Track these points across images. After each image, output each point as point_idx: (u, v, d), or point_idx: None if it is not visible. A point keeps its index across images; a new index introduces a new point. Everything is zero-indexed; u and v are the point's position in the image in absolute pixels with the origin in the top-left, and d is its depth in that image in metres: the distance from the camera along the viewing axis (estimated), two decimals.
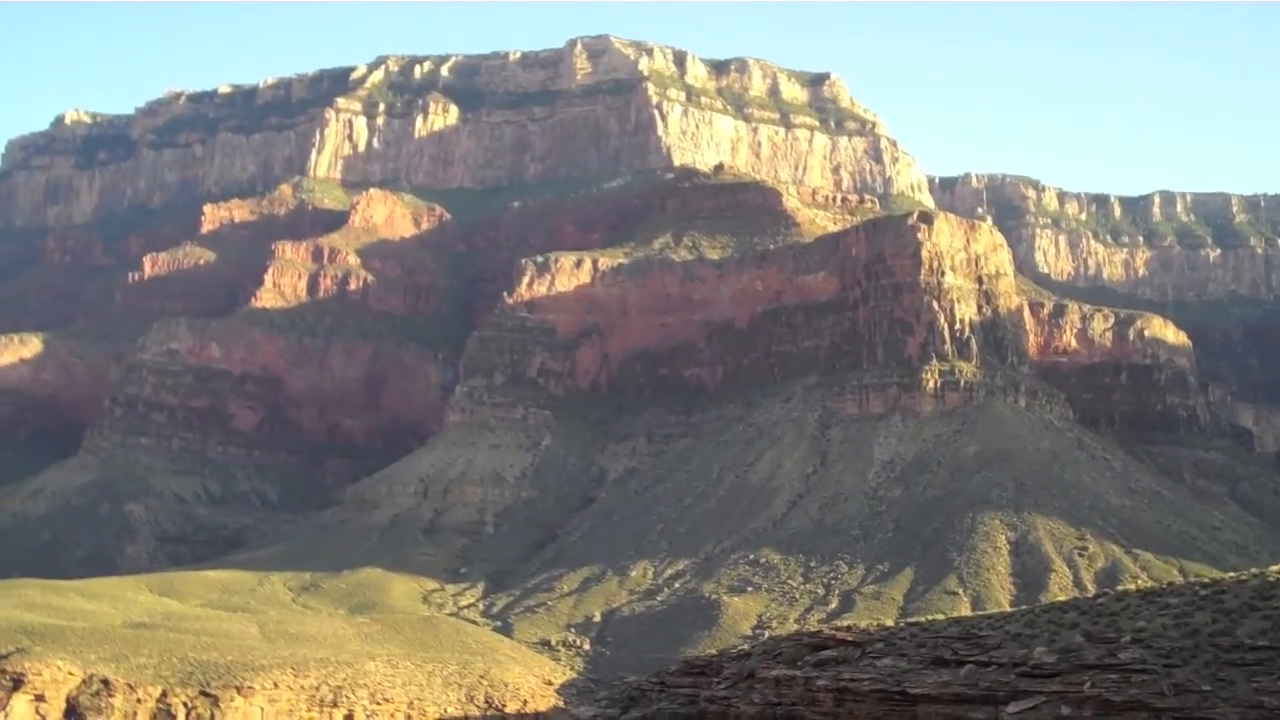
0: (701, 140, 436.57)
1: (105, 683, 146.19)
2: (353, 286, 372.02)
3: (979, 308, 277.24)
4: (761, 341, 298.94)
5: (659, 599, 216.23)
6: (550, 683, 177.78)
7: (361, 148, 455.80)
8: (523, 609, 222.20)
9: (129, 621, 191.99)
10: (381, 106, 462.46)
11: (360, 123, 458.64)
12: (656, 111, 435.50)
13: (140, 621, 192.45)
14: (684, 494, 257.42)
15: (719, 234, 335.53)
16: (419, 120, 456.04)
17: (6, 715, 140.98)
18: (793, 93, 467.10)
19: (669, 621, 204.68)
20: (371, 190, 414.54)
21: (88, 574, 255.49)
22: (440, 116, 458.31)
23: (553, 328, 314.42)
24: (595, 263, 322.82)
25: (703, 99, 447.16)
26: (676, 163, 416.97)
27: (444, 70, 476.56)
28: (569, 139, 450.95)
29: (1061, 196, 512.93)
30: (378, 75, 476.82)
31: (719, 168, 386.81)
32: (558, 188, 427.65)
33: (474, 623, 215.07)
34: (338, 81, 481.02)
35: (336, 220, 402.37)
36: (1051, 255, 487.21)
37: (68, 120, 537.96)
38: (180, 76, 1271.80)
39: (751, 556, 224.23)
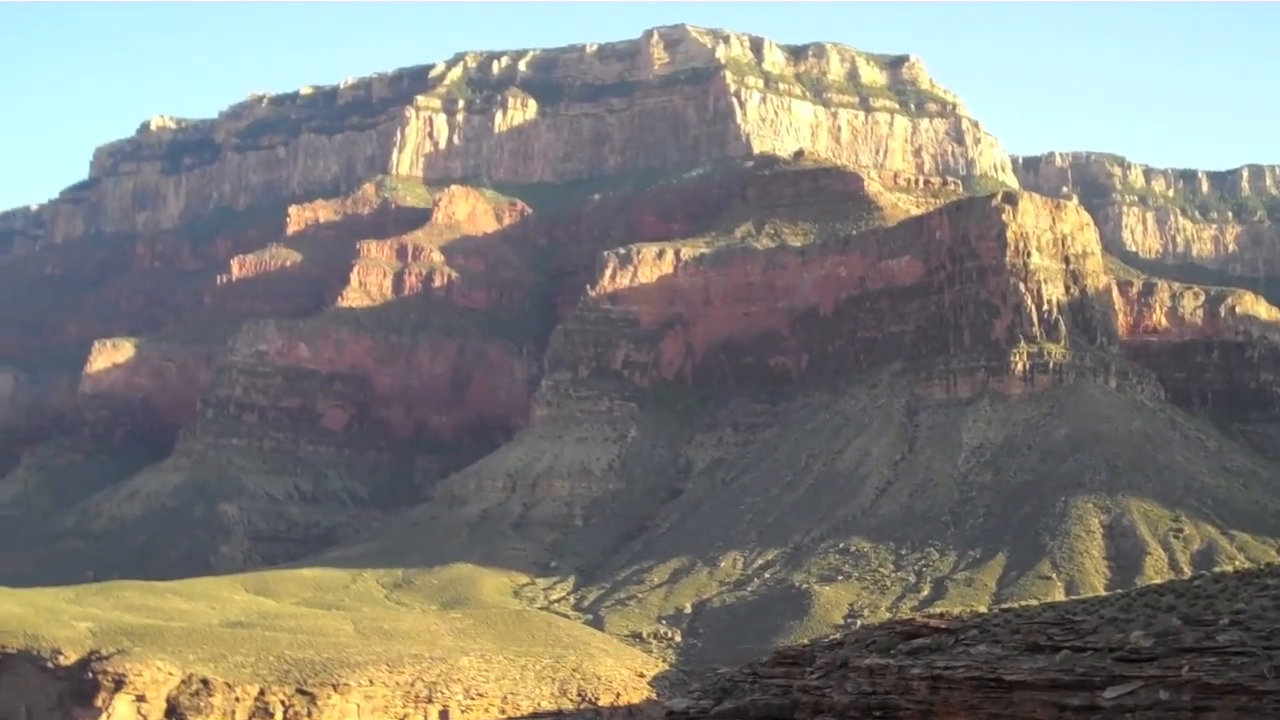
0: (781, 127, 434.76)
1: (204, 682, 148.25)
2: (437, 283, 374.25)
3: (1066, 288, 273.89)
4: (846, 328, 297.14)
5: (749, 589, 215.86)
6: (642, 675, 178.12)
7: (442, 145, 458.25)
8: (613, 602, 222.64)
9: (226, 621, 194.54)
10: (461, 103, 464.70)
11: (440, 120, 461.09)
12: (735, 99, 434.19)
13: (237, 621, 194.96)
14: (772, 483, 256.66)
15: (801, 220, 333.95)
16: (498, 116, 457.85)
17: (109, 716, 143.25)
18: (871, 76, 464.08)
19: (760, 612, 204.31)
20: (453, 187, 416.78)
21: (184, 575, 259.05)
22: (519, 111, 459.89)
23: (636, 319, 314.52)
24: (677, 253, 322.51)
25: (781, 85, 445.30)
26: (756, 150, 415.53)
27: (522, 65, 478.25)
28: (648, 130, 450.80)
29: (1148, 173, 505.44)
30: (456, 72, 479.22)
31: (799, 154, 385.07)
32: (637, 179, 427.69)
33: (565, 616, 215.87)
34: (417, 80, 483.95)
35: (419, 218, 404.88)
36: (1139, 233, 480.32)
37: (153, 126, 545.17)
38: (262, 79, 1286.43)
39: (841, 545, 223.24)
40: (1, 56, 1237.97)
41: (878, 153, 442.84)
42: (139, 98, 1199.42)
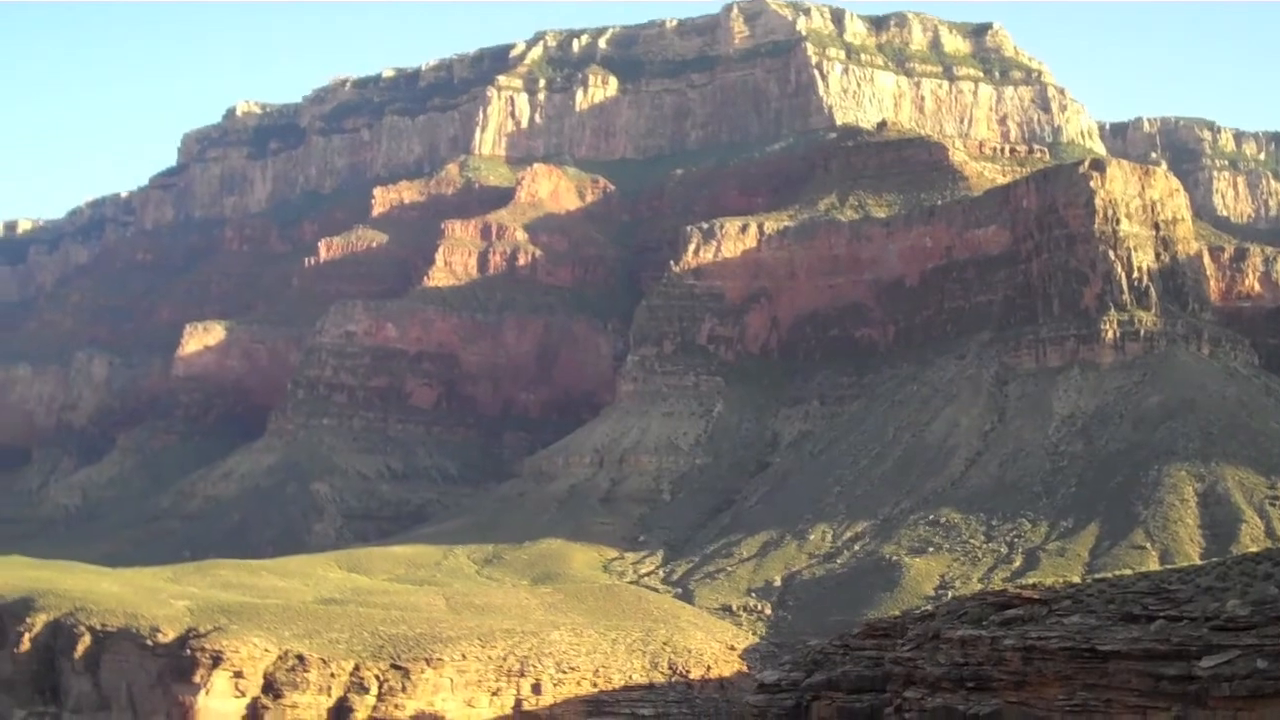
0: (863, 98, 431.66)
1: (300, 658, 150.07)
2: (521, 262, 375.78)
3: (1157, 255, 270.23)
4: (933, 299, 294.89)
5: (839, 562, 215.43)
6: (733, 648, 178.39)
7: (524, 124, 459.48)
8: (702, 575, 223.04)
9: (320, 598, 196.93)
10: (542, 82, 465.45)
11: (522, 99, 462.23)
12: (816, 71, 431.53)
13: (331, 597, 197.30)
14: (860, 455, 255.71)
15: (885, 192, 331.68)
16: (579, 94, 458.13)
17: (208, 692, 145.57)
18: (955, 44, 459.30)
19: (850, 584, 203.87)
20: (535, 165, 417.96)
21: (278, 553, 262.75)
22: (600, 89, 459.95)
23: (721, 293, 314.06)
24: (761, 227, 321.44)
25: (863, 56, 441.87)
26: (839, 122, 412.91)
27: (601, 42, 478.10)
28: (729, 104, 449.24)
29: (1238, 137, 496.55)
30: (537, 51, 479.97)
31: (882, 125, 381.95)
32: (720, 153, 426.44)
33: (654, 590, 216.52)
34: (498, 59, 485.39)
35: (503, 197, 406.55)
36: (1230, 198, 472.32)
37: (239, 112, 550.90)
38: (345, 63, 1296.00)
39: (931, 516, 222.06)
40: (92, 48, 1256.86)
41: (962, 122, 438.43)
42: (225, 84, 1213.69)
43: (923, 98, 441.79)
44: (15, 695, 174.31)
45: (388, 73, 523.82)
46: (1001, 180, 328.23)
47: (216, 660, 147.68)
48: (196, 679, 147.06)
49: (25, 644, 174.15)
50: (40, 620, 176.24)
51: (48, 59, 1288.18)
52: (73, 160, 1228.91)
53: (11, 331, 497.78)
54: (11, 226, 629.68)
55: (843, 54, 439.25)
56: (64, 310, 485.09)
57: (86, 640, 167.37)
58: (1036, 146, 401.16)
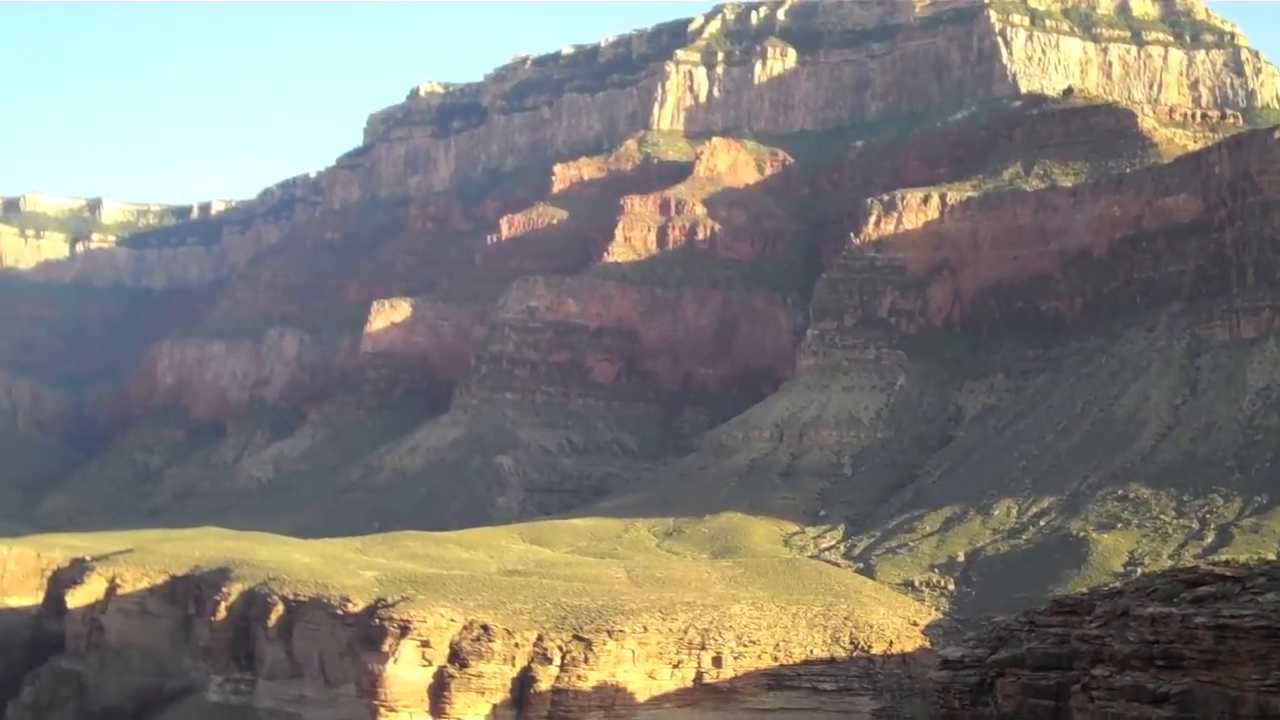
0: (1048, 64, 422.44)
1: (485, 628, 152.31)
2: (700, 236, 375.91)
3: None
4: (1122, 269, 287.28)
5: (1024, 537, 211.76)
6: (915, 624, 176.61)
7: (703, 98, 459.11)
8: (884, 550, 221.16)
9: (504, 569, 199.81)
10: (720, 55, 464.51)
11: (700, 73, 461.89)
12: (1000, 39, 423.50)
13: (514, 569, 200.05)
14: (1046, 430, 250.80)
15: (1071, 160, 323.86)
16: (758, 66, 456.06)
17: (396, 661, 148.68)
18: (1143, 8, 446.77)
19: (1035, 560, 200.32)
20: (714, 139, 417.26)
21: (463, 525, 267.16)
22: (779, 61, 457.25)
23: (902, 266, 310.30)
24: (943, 197, 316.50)
25: (1048, 22, 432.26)
26: (1023, 90, 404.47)
27: (780, 14, 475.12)
28: (910, 74, 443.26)
29: None
30: (715, 25, 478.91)
31: (1068, 92, 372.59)
32: (901, 124, 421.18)
33: (836, 565, 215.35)
34: (676, 34, 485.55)
35: (681, 172, 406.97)
36: None
37: (422, 92, 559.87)
38: (525, 42, 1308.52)
39: (1120, 492, 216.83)
40: (282, 34, 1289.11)
41: (1151, 87, 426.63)
42: (409, 65, 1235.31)
43: (1110, 63, 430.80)
44: (212, 662, 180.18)
45: (567, 50, 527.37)
46: (1192, 147, 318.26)
47: (404, 630, 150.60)
48: (385, 648, 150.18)
49: (222, 613, 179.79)
50: (236, 590, 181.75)
51: (240, 47, 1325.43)
52: (264, 143, 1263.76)
53: (207, 310, 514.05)
54: (205, 208, 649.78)
55: (1027, 20, 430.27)
56: (256, 289, 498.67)
57: (279, 609, 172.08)
58: (1229, 111, 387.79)
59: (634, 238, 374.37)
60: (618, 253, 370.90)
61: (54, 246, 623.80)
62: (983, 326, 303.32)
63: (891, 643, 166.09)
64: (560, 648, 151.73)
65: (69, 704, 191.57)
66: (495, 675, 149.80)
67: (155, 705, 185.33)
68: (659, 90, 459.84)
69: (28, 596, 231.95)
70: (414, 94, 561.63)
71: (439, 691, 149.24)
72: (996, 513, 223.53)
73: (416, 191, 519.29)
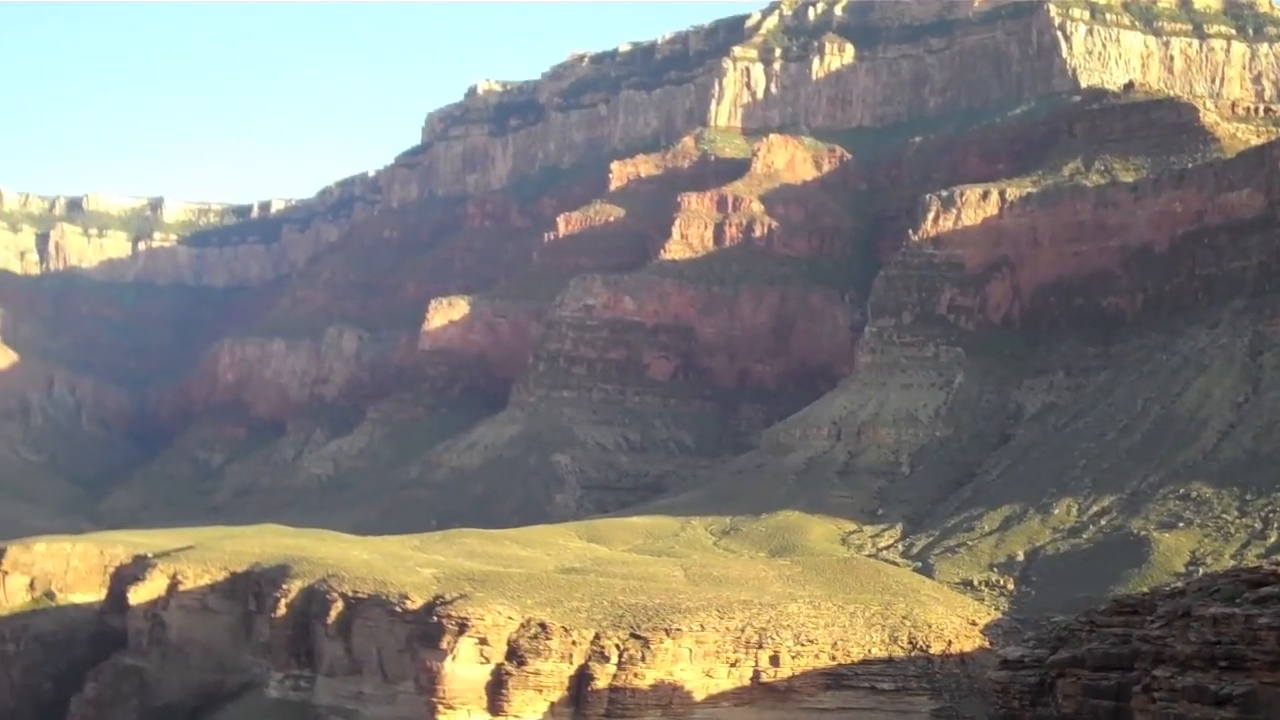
0: (1109, 59, 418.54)
1: (542, 626, 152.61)
2: (757, 233, 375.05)
3: None
4: (1183, 265, 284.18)
5: (1084, 536, 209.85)
6: (974, 623, 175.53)
7: (760, 94, 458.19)
8: (943, 549, 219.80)
9: (561, 567, 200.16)
10: (777, 52, 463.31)
11: (757, 70, 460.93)
12: (1059, 33, 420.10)
13: (571, 567, 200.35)
14: (1106, 428, 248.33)
15: (1132, 156, 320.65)
16: (815, 62, 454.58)
17: (454, 658, 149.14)
18: (1205, 1, 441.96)
19: (1095, 559, 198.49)
20: (771, 136, 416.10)
21: (520, 522, 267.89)
22: (836, 57, 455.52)
23: (961, 262, 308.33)
24: (1002, 194, 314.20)
25: (1108, 15, 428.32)
26: (1083, 84, 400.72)
27: (837, 10, 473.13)
28: (968, 69, 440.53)
29: None
30: (772, 21, 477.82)
31: (1129, 86, 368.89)
32: (959, 120, 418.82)
33: (894, 564, 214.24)
34: (733, 31, 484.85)
35: (738, 168, 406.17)
36: None
37: (480, 90, 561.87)
38: (582, 39, 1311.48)
39: (1181, 491, 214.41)
40: (340, 34, 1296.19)
41: (1213, 81, 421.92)
42: (466, 64, 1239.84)
43: (1171, 57, 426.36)
44: (273, 658, 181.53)
45: (624, 48, 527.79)
46: (1255, 141, 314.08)
47: (462, 627, 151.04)
48: (443, 645, 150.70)
49: (282, 609, 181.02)
50: (295, 586, 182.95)
51: (300, 47, 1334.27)
52: (323, 142, 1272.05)
53: (267, 308, 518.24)
54: (265, 207, 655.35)
55: (1087, 14, 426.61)
56: (315, 287, 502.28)
57: (339, 606, 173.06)
58: None
59: (691, 235, 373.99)
60: (674, 250, 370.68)
61: (116, 245, 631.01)
62: (1042, 323, 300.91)
63: (950, 642, 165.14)
64: (617, 646, 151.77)
65: (131, 700, 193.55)
66: (553, 673, 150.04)
67: (216, 701, 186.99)
68: (716, 87, 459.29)
69: (90, 593, 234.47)
70: (472, 92, 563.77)
71: (497, 689, 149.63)
72: (1056, 512, 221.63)
73: (474, 189, 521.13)
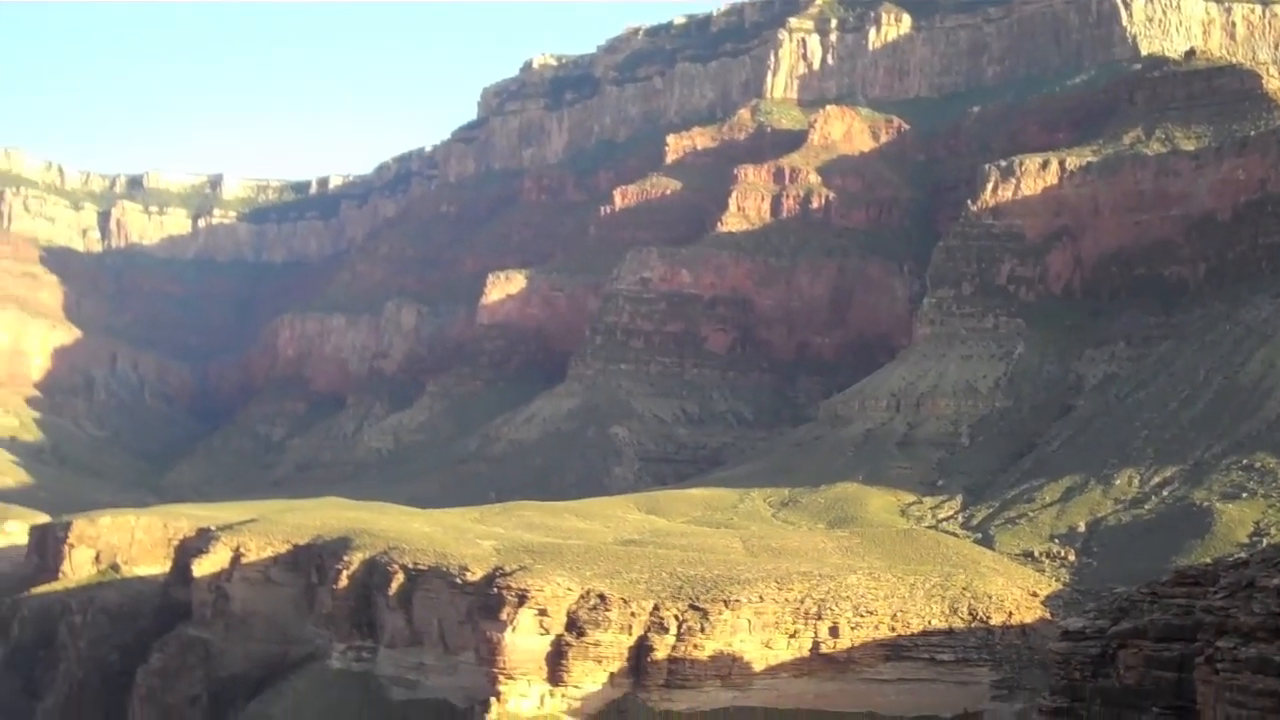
0: (1169, 26, 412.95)
1: (601, 597, 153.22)
2: (814, 205, 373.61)
3: None
4: (1246, 234, 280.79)
5: (1146, 508, 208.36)
6: (1035, 594, 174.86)
7: (816, 66, 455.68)
8: (1003, 520, 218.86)
9: (620, 539, 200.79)
10: (833, 22, 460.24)
11: (813, 41, 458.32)
12: (1119, 0, 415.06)
13: (630, 539, 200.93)
14: (1168, 398, 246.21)
15: (1194, 124, 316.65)
16: (872, 33, 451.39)
17: (514, 629, 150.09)
18: None
19: (1157, 530, 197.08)
20: (828, 107, 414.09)
21: (579, 495, 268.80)
22: (893, 27, 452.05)
23: (1020, 233, 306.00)
24: (1062, 163, 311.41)
25: None
26: (1144, 52, 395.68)
27: None
28: (1027, 37, 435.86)
29: None
30: None
31: (1190, 53, 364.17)
32: (1018, 89, 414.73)
33: (953, 535, 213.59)
34: (789, 2, 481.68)
35: (795, 140, 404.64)
36: None
37: (536, 65, 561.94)
38: (637, 12, 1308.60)
39: (1245, 461, 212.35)
40: (395, 10, 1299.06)
41: (1276, 48, 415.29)
42: (522, 38, 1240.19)
43: (1234, 23, 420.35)
44: (335, 630, 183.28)
45: (679, 20, 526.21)
46: None
47: (522, 598, 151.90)
48: (503, 616, 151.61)
49: (344, 581, 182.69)
50: (357, 559, 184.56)
51: (356, 24, 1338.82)
52: (380, 118, 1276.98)
53: (326, 283, 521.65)
54: (324, 183, 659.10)
55: None
56: (374, 262, 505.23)
57: (400, 578, 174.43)
58: None
59: (748, 207, 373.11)
60: (731, 222, 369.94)
61: (177, 222, 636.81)
62: (1103, 293, 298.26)
63: (1011, 613, 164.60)
64: (676, 617, 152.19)
65: (196, 670, 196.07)
66: (612, 644, 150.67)
67: (280, 672, 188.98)
68: (772, 58, 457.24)
69: (155, 565, 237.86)
70: (527, 67, 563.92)
71: (557, 660, 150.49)
72: (1118, 482, 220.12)
73: (530, 164, 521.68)
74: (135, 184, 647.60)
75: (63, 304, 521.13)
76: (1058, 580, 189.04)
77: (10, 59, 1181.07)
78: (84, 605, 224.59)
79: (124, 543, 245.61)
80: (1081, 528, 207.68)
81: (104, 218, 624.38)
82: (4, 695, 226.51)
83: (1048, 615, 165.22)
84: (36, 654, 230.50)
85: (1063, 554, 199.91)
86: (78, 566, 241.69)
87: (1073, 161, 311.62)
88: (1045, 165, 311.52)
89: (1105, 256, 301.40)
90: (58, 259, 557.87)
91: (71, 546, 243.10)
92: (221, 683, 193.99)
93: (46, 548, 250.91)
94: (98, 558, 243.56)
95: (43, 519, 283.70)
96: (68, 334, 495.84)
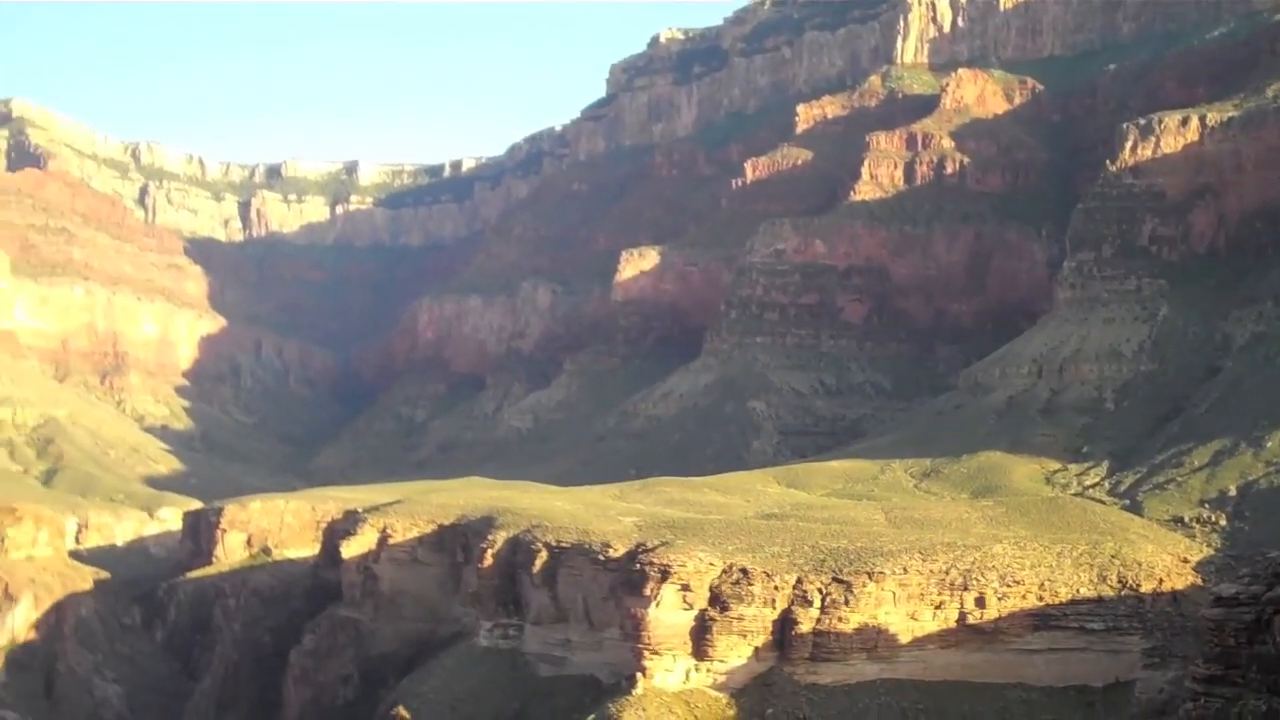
0: None
1: (744, 571, 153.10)
2: (949, 170, 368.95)
3: None
4: None
5: None
6: (1186, 560, 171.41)
7: (946, 29, 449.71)
8: (1151, 486, 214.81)
9: (760, 513, 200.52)
10: None
11: (943, 3, 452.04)
12: None
13: (771, 512, 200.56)
14: None
15: None
16: None
17: (658, 604, 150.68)
18: None
19: None
20: (960, 71, 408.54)
21: (718, 469, 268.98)
22: None
23: (1161, 191, 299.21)
24: (1203, 119, 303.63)
25: None
26: None
27: None
28: None
29: None
30: None
31: None
32: (1154, 44, 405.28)
33: (1100, 502, 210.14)
34: None
35: (927, 105, 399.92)
36: None
37: (663, 39, 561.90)
38: None
39: None
40: None
41: None
42: (648, 13, 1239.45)
43: None
44: (481, 608, 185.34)
45: None
46: None
47: (665, 574, 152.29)
48: (646, 592, 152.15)
49: (488, 560, 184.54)
50: (501, 537, 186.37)
51: (481, 7, 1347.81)
52: (510, 98, 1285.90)
53: (462, 265, 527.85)
54: (457, 166, 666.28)
55: None
56: (508, 242, 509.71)
57: (543, 556, 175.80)
58: None
59: (881, 175, 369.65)
60: (864, 191, 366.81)
61: (315, 210, 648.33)
62: (1249, 251, 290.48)
63: (1161, 580, 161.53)
64: (820, 590, 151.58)
65: (347, 650, 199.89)
66: (756, 618, 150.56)
67: (429, 650, 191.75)
68: (901, 23, 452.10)
69: (305, 548, 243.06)
70: (654, 42, 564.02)
71: (701, 634, 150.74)
72: (1269, 444, 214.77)
73: (660, 139, 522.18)
74: (274, 174, 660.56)
75: (207, 294, 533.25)
76: (1209, 545, 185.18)
77: (152, 56, 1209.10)
78: (237, 588, 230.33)
79: (274, 526, 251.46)
80: (1232, 491, 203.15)
81: (244, 208, 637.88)
82: (163, 677, 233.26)
83: (1199, 581, 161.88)
84: (193, 637, 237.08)
85: (1213, 519, 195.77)
86: (230, 551, 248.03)
87: (1213, 117, 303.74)
88: (1185, 122, 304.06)
89: (1249, 213, 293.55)
90: (201, 250, 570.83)
91: (224, 531, 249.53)
92: (372, 661, 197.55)
93: (200, 533, 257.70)
94: (249, 541, 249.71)
95: (195, 505, 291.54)
96: (213, 323, 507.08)
